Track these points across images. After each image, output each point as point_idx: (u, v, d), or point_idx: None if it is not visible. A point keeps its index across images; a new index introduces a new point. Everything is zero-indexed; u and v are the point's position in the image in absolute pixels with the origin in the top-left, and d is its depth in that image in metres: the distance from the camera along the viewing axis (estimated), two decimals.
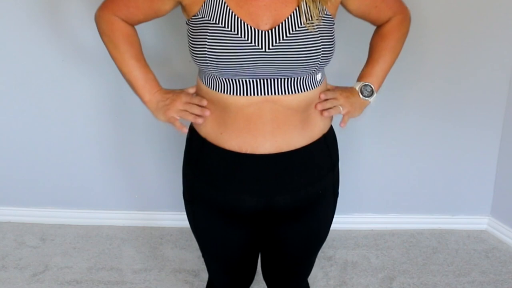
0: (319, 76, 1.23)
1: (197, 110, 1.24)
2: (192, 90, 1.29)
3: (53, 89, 2.22)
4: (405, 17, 1.36)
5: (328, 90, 1.29)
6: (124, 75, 1.29)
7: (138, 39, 1.30)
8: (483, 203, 2.42)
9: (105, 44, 1.28)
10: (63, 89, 2.22)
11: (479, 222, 2.44)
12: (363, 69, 1.37)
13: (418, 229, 2.44)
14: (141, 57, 1.29)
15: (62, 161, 2.35)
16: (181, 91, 1.28)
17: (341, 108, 1.28)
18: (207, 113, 1.23)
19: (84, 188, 2.41)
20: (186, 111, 1.25)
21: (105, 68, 2.17)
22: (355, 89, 1.34)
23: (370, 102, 1.35)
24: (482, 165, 2.34)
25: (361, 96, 1.33)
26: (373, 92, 1.34)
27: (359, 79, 1.36)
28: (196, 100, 1.25)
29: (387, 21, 1.34)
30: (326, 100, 1.26)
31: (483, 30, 2.10)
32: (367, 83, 1.33)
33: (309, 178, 1.28)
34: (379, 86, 1.37)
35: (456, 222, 2.44)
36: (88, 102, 2.24)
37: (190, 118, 1.25)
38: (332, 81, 1.37)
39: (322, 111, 1.25)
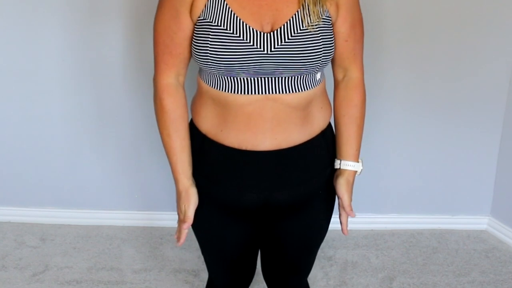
0: (318, 76, 1.24)
1: (178, 231, 1.30)
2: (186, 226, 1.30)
3: (53, 89, 2.22)
4: (363, 84, 1.32)
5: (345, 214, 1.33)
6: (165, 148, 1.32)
7: (182, 120, 1.27)
8: (483, 203, 2.42)
9: (156, 114, 1.28)
10: (63, 89, 2.22)
11: (479, 222, 2.44)
12: (346, 150, 1.32)
13: (418, 229, 2.44)
14: (185, 143, 1.28)
15: (62, 161, 2.35)
16: (182, 205, 1.30)
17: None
18: (178, 244, 1.31)
19: (84, 188, 2.41)
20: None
21: (105, 68, 2.17)
22: (354, 174, 1.33)
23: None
24: (482, 165, 2.34)
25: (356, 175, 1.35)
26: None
27: (347, 160, 1.32)
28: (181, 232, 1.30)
29: (350, 86, 1.30)
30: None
31: (483, 30, 2.10)
32: (361, 166, 1.33)
33: (308, 174, 1.29)
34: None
35: (456, 222, 2.44)
36: (89, 102, 2.24)
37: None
38: (330, 80, 1.37)
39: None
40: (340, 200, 1.33)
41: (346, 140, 1.32)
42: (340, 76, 1.31)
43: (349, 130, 1.31)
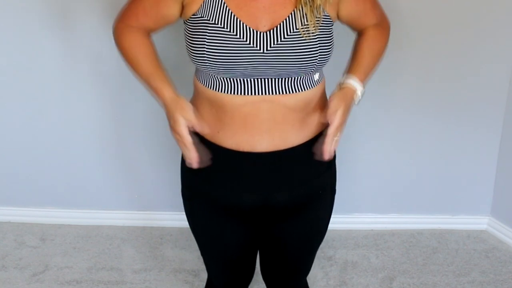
0: (316, 76, 1.23)
1: (185, 153, 1.20)
2: (188, 118, 1.17)
3: (53, 89, 2.22)
4: (388, 26, 1.39)
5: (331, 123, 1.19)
6: (140, 77, 1.26)
7: (153, 45, 1.27)
8: (483, 203, 2.42)
9: (121, 54, 1.28)
10: (64, 89, 2.22)
11: (479, 222, 2.44)
12: (354, 67, 1.29)
13: (418, 229, 2.44)
14: (154, 58, 1.25)
15: (62, 161, 2.35)
16: (178, 115, 1.18)
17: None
18: (194, 165, 1.19)
19: (84, 188, 2.41)
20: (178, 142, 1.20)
21: (105, 67, 2.17)
22: (354, 93, 1.25)
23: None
24: (482, 165, 2.34)
25: (356, 102, 1.27)
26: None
27: (352, 75, 1.27)
28: (186, 140, 1.18)
29: (370, 27, 1.34)
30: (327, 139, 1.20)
31: (484, 30, 2.10)
32: (363, 89, 1.27)
33: (307, 175, 1.29)
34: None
35: (456, 222, 2.44)
36: (88, 102, 2.24)
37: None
38: (330, 81, 1.37)
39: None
40: (328, 114, 1.19)
41: (357, 59, 1.30)
42: None
43: (363, 51, 1.30)
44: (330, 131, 1.19)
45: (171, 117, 1.20)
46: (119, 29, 1.27)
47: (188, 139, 1.18)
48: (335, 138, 1.21)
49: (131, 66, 1.26)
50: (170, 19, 1.24)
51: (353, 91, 1.26)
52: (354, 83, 1.26)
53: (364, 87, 1.28)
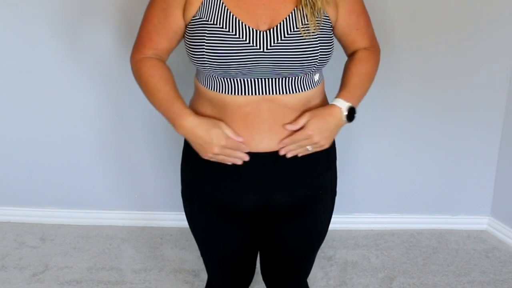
0: (316, 77, 1.23)
1: (234, 157, 1.19)
2: (227, 131, 1.18)
3: (53, 89, 2.22)
4: (378, 52, 1.36)
5: (300, 125, 1.20)
6: (159, 103, 1.22)
7: (171, 73, 1.25)
8: (483, 203, 2.42)
9: (140, 84, 1.25)
10: (64, 89, 2.22)
11: (479, 222, 2.44)
12: (340, 89, 1.28)
13: (418, 229, 2.44)
14: (172, 86, 1.22)
15: (62, 161, 2.35)
16: (217, 129, 1.17)
17: (309, 148, 1.22)
18: (246, 158, 1.19)
19: (84, 188, 2.41)
20: (223, 156, 1.19)
21: (105, 68, 2.17)
22: (337, 109, 1.22)
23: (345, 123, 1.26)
24: (482, 165, 2.34)
25: (344, 117, 1.23)
26: (354, 116, 1.25)
27: (338, 97, 1.25)
28: (233, 143, 1.18)
29: (361, 50, 1.32)
30: (293, 139, 1.20)
31: (483, 30, 2.09)
32: (353, 106, 1.24)
33: (307, 176, 1.28)
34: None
35: (456, 222, 2.44)
36: (88, 102, 2.24)
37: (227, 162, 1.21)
38: (330, 81, 1.37)
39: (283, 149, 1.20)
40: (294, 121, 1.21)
41: (343, 82, 1.28)
42: None
43: (351, 73, 1.28)
44: (298, 135, 1.20)
45: (205, 137, 1.17)
46: (137, 61, 1.26)
47: (238, 139, 1.18)
48: (302, 144, 1.20)
49: (150, 94, 1.23)
50: (180, 32, 1.23)
51: (337, 109, 1.23)
52: (337, 102, 1.24)
53: (354, 105, 1.24)
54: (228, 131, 1.18)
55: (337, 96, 1.26)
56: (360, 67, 1.29)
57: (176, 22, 1.20)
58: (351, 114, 1.23)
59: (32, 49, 2.15)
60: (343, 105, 1.23)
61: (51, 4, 2.07)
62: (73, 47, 2.14)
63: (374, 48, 1.34)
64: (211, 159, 1.21)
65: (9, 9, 2.09)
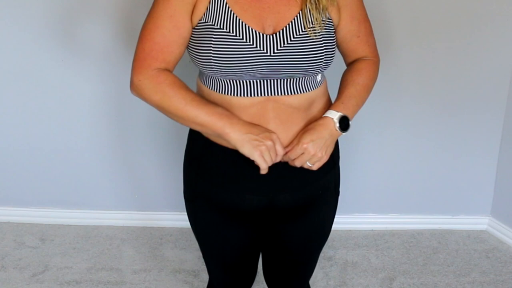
0: (319, 77, 1.24)
1: (271, 158, 1.18)
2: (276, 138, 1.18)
3: (53, 89, 2.22)
4: (377, 62, 1.34)
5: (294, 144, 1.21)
6: (191, 122, 1.17)
7: (184, 84, 1.20)
8: (484, 203, 2.41)
9: (158, 103, 1.16)
10: (64, 89, 2.22)
11: (480, 222, 2.44)
12: (336, 102, 1.26)
13: (418, 229, 2.44)
14: (197, 97, 1.18)
15: (62, 161, 2.35)
16: (272, 133, 1.18)
17: (309, 164, 1.21)
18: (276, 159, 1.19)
19: (84, 188, 2.41)
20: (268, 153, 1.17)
21: (105, 67, 2.17)
22: (329, 120, 1.22)
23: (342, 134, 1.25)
24: (482, 165, 2.34)
25: (337, 127, 1.22)
26: (348, 125, 1.24)
27: (331, 108, 1.24)
28: (280, 149, 1.18)
29: (360, 59, 1.31)
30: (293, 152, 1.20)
31: (484, 30, 2.09)
32: (345, 115, 1.22)
33: (311, 176, 1.28)
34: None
35: (456, 222, 2.44)
36: (88, 102, 2.24)
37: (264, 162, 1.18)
38: (330, 82, 1.37)
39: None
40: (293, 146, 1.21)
41: (339, 92, 1.27)
42: None
43: (347, 82, 1.27)
44: (294, 149, 1.20)
45: (261, 133, 1.16)
46: (146, 77, 1.16)
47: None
48: (300, 159, 1.21)
49: (174, 113, 1.16)
50: (189, 38, 1.19)
51: (329, 120, 1.22)
52: (328, 113, 1.23)
53: (347, 114, 1.23)
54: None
55: (330, 107, 1.25)
56: (357, 78, 1.28)
57: (187, 28, 1.16)
58: (344, 124, 1.23)
59: (32, 49, 2.15)
60: (334, 116, 1.22)
61: (51, 4, 2.07)
62: (73, 47, 2.14)
63: (374, 58, 1.33)
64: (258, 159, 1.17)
65: (9, 9, 2.09)
